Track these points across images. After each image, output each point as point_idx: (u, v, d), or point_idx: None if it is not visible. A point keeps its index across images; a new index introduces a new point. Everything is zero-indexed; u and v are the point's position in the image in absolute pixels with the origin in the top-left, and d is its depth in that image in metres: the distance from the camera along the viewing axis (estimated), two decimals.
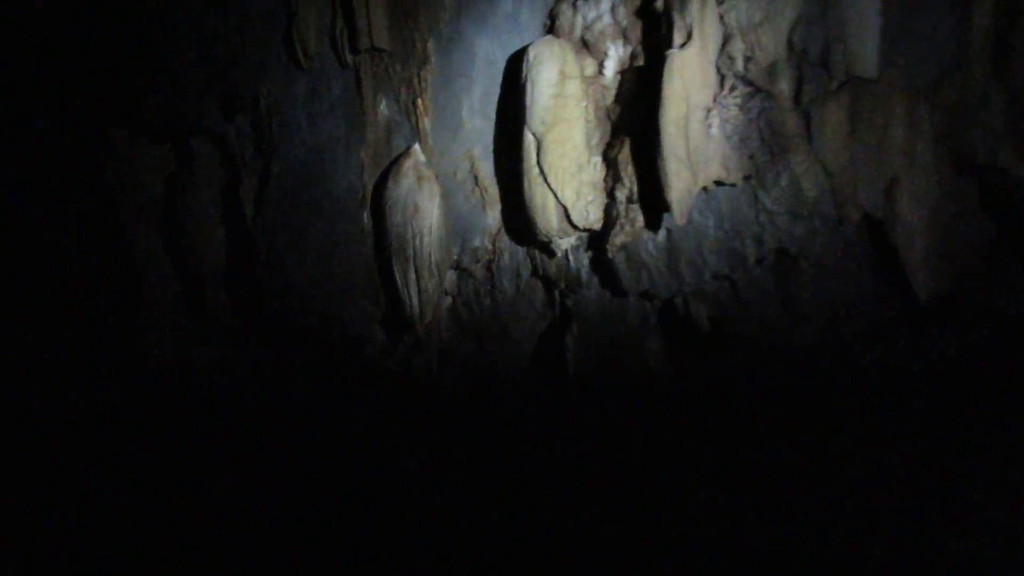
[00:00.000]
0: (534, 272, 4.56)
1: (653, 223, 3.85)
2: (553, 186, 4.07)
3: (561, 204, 4.08)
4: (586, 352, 4.30)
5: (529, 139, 4.16)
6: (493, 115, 4.72)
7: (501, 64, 4.67)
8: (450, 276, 4.93)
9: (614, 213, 4.01)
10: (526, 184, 4.18)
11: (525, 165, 4.18)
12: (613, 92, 4.20)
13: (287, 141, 5.97)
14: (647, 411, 4.04)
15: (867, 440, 3.44)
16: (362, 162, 5.28)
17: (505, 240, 4.63)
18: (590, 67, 4.27)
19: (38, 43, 7.69)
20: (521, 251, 4.59)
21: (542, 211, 4.15)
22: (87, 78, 7.88)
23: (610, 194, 4.02)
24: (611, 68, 4.22)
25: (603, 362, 4.24)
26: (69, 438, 7.18)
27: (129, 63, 7.41)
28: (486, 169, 4.74)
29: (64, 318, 8.16)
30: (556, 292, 4.49)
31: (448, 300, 4.98)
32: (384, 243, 4.95)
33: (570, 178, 4.07)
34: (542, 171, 4.09)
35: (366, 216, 5.24)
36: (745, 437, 3.74)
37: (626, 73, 4.13)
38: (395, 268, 4.89)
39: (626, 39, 4.18)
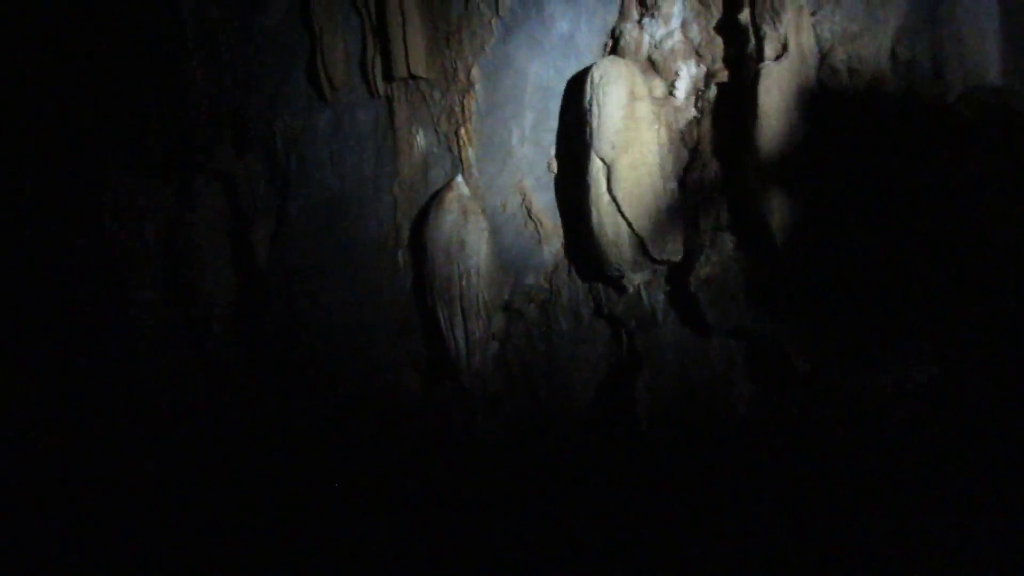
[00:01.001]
0: (597, 311, 4.15)
1: (747, 252, 3.43)
2: (627, 215, 3.68)
3: (636, 234, 3.69)
4: (660, 399, 3.86)
5: (597, 165, 3.78)
6: (546, 143, 4.36)
7: (555, 89, 4.33)
8: (497, 319, 4.46)
9: (698, 243, 3.59)
10: (594, 214, 3.79)
11: (593, 194, 3.80)
12: (687, 114, 3.82)
13: (307, 178, 5.55)
14: (735, 463, 3.58)
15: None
16: (395, 198, 4.87)
17: (563, 277, 4.22)
18: (659, 88, 3.94)
19: (32, 73, 7.22)
20: (582, 289, 4.18)
21: (614, 242, 3.75)
22: (84, 110, 7.42)
23: (692, 222, 3.61)
24: (683, 88, 3.89)
25: (681, 409, 3.80)
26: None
27: (130, 94, 6.98)
28: (540, 201, 4.35)
29: (52, 373, 7.54)
30: (624, 333, 4.04)
31: (495, 345, 4.50)
32: (426, 284, 4.52)
33: (646, 206, 3.69)
34: (614, 199, 3.69)
35: (400, 256, 4.80)
36: (855, 497, 3.28)
37: (702, 93, 3.76)
38: (439, 310, 4.46)
39: (699, 57, 3.84)
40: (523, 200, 4.41)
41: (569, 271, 4.22)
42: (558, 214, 4.32)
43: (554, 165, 4.33)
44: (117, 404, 7.32)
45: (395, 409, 5.26)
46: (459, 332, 4.46)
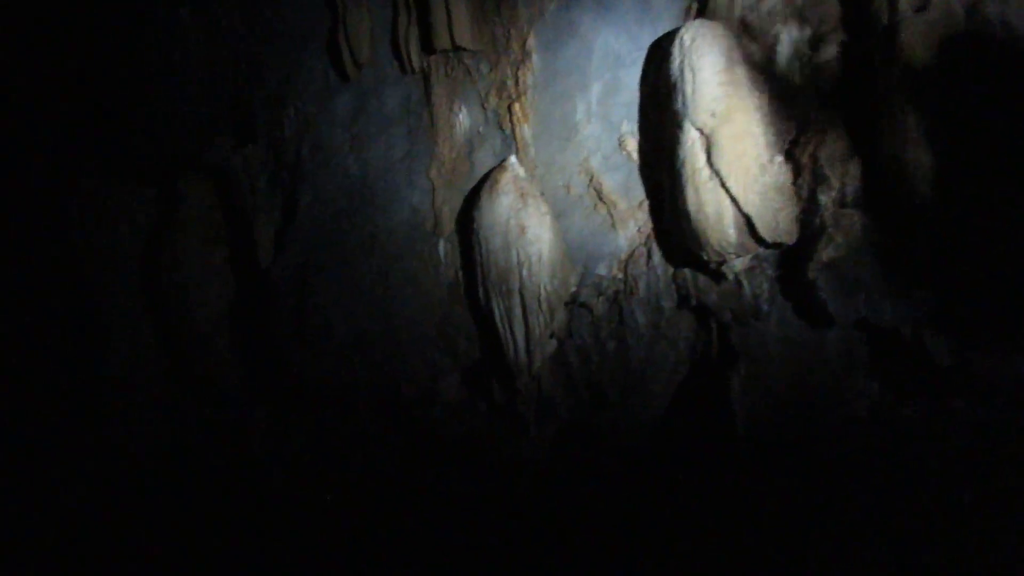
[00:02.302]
0: (682, 303, 3.65)
1: (879, 231, 2.98)
2: (733, 191, 3.21)
3: (743, 213, 3.20)
4: (761, 400, 3.38)
5: (692, 137, 3.32)
6: (616, 118, 3.90)
7: (628, 58, 3.90)
8: (559, 315, 3.94)
9: (817, 222, 3.13)
10: (690, 192, 3.31)
11: (688, 169, 3.34)
12: (792, 81, 3.37)
13: (322, 168, 5.00)
14: (854, 474, 3.10)
15: None
16: (432, 183, 4.34)
17: (641, 265, 3.72)
18: (756, 53, 3.46)
19: None
20: (663, 278, 3.70)
21: (716, 223, 3.28)
22: (52, 106, 6.68)
23: (810, 198, 3.16)
24: (785, 53, 3.45)
25: (787, 412, 3.32)
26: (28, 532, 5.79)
27: (105, 83, 6.31)
28: (612, 181, 3.88)
29: (20, 392, 6.73)
30: (714, 326, 3.55)
31: (552, 344, 3.98)
32: (478, 275, 3.98)
33: (753, 181, 3.22)
34: (716, 173, 3.21)
35: (442, 246, 4.25)
36: (1008, 510, 2.82)
37: (809, 58, 3.32)
38: (494, 304, 3.92)
39: (802, 20, 3.39)
40: (590, 181, 3.93)
41: (648, 258, 3.73)
42: (632, 195, 3.79)
43: (627, 142, 3.83)
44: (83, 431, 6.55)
45: (430, 422, 4.67)
46: (518, 329, 3.94)
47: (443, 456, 4.89)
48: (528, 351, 3.95)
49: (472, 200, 4.16)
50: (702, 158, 3.35)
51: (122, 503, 6.20)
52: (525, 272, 3.90)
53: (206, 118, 5.98)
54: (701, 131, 3.35)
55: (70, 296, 6.86)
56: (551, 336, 4.04)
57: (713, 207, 3.33)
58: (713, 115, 3.32)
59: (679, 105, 3.43)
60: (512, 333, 3.95)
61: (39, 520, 5.98)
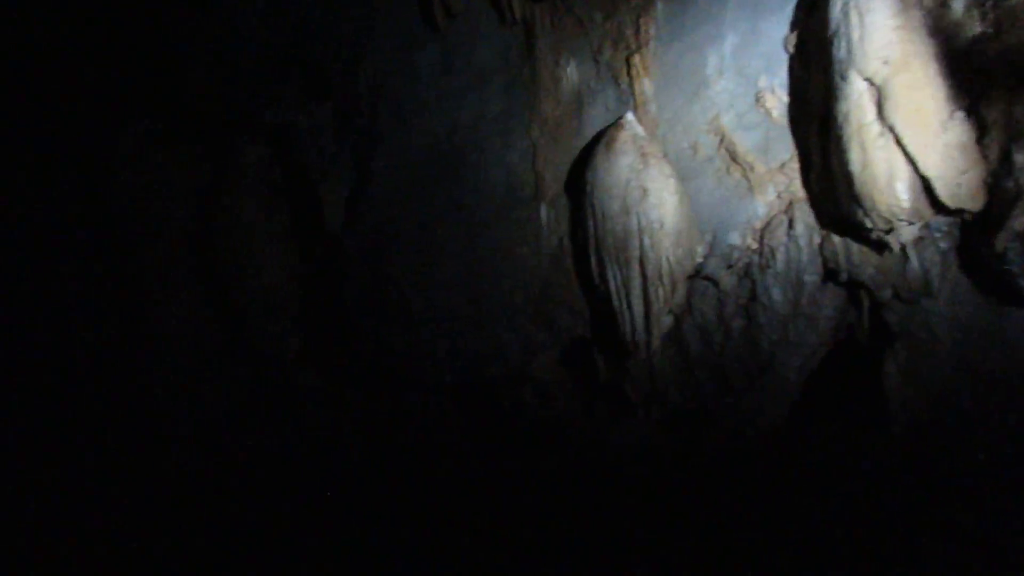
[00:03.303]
0: (828, 277, 3.22)
1: None
2: (910, 149, 2.79)
3: (920, 175, 2.78)
4: (923, 391, 2.96)
5: (859, 88, 2.92)
6: (752, 71, 3.47)
7: (769, 4, 3.43)
8: (679, 288, 3.53)
9: (1010, 186, 2.71)
10: (854, 150, 2.91)
11: (852, 124, 2.94)
12: (970, 29, 2.93)
13: (401, 127, 4.61)
14: None
15: None
16: (533, 143, 3.93)
17: (781, 234, 3.30)
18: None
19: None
20: (806, 250, 3.26)
21: (886, 186, 2.87)
22: (98, 59, 6.26)
23: (1003, 159, 2.73)
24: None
25: (955, 402, 2.88)
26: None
27: (150, 37, 5.89)
28: (748, 141, 3.47)
29: (62, 362, 6.37)
30: (866, 304, 3.13)
31: (668, 321, 3.57)
32: (591, 242, 3.57)
33: (934, 138, 2.80)
34: (891, 129, 2.79)
35: (544, 211, 3.84)
36: None
37: (993, 3, 2.88)
38: (609, 274, 3.51)
39: None
40: (721, 141, 3.52)
41: (790, 227, 3.31)
42: (772, 157, 3.37)
43: (766, 98, 3.41)
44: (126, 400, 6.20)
45: (517, 404, 4.28)
46: (636, 302, 3.54)
47: (527, 441, 4.50)
48: (647, 327, 3.54)
49: (584, 161, 3.76)
50: (871, 112, 2.94)
51: (170, 477, 5.84)
52: (646, 240, 3.51)
53: (269, 73, 5.58)
54: (870, 81, 2.94)
55: (113, 261, 6.47)
56: (668, 312, 3.61)
57: (883, 167, 2.92)
58: (886, 63, 2.91)
59: (841, 53, 3.01)
60: (629, 306, 3.57)
61: (86, 492, 5.64)
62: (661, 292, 3.54)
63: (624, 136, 3.63)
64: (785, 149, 3.39)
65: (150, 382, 6.44)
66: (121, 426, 6.13)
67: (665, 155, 3.62)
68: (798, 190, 3.34)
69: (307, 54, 5.35)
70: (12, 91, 5.95)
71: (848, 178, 3.02)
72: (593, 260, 3.64)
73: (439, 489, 4.90)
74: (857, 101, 3.00)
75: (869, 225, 3.04)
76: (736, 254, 3.49)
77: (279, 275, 5.98)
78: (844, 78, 3.03)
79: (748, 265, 3.48)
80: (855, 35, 3.02)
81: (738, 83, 3.55)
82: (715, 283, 3.55)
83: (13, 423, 5.78)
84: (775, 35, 3.45)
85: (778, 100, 3.45)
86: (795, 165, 3.37)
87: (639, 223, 3.52)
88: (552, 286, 3.99)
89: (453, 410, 4.67)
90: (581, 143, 3.95)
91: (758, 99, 3.49)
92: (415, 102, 4.73)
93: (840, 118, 3.04)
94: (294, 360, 5.76)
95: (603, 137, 3.71)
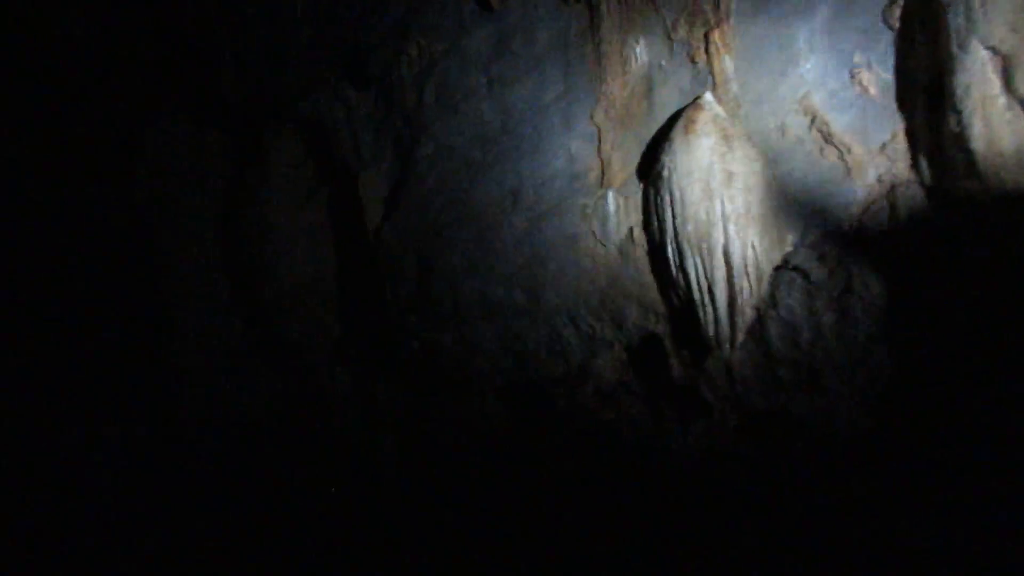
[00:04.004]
0: None
1: None
2: None
3: None
4: None
5: (981, 57, 2.67)
6: (847, 47, 3.20)
7: None
8: (764, 279, 3.25)
9: None
10: (977, 125, 2.66)
11: (975, 97, 2.74)
12: None
13: (449, 114, 4.36)
14: None
15: None
16: (598, 127, 3.66)
17: (882, 220, 2.99)
18: None
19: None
20: None
21: (1017, 164, 2.57)
22: (127, 47, 6.00)
23: None
24: None
25: None
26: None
27: (181, 22, 5.64)
28: (842, 121, 3.20)
29: (83, 358, 6.11)
30: None
31: (749, 315, 3.29)
32: (668, 230, 3.29)
33: None
34: (1021, 103, 2.51)
35: (611, 199, 3.58)
36: None
37: None
38: (690, 265, 3.22)
39: None
40: (812, 121, 3.25)
41: (892, 212, 3.02)
42: (871, 137, 3.10)
43: (862, 75, 3.14)
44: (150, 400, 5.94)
45: (575, 405, 3.99)
46: (719, 294, 3.26)
47: (582, 447, 4.21)
48: (731, 321, 3.25)
49: (659, 144, 3.50)
50: (996, 84, 2.65)
51: (194, 476, 5.58)
52: (732, 228, 3.24)
53: (306, 61, 5.31)
54: (994, 50, 2.66)
55: (138, 257, 6.21)
56: (752, 306, 3.33)
57: (1010, 143, 2.62)
58: (1014, 30, 2.63)
59: (959, 20, 2.76)
60: (712, 299, 3.29)
61: (109, 489, 5.38)
62: (746, 283, 3.25)
63: (704, 117, 3.37)
64: (885, 129, 3.13)
65: (174, 383, 6.18)
66: (143, 428, 5.86)
67: (749, 137, 3.33)
68: (902, 172, 3.06)
69: (346, 39, 5.09)
70: (37, 83, 5.69)
71: (969, 156, 2.74)
72: (671, 249, 3.37)
73: (483, 499, 4.62)
74: (980, 72, 2.74)
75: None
76: (829, 243, 3.20)
77: (310, 272, 5.72)
78: (963, 48, 2.77)
79: (841, 256, 3.18)
80: (975, 1, 2.74)
81: (830, 59, 3.31)
82: (804, 274, 3.27)
83: (34, 422, 5.52)
84: (872, 6, 3.17)
85: (876, 76, 3.19)
86: (897, 146, 3.09)
87: (723, 209, 3.25)
88: (620, 278, 3.72)
89: (501, 412, 4.37)
90: (652, 127, 3.69)
91: (853, 75, 3.23)
92: (465, 88, 4.48)
93: (959, 92, 2.78)
94: (326, 361, 5.47)
95: (680, 119, 3.45)
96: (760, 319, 3.46)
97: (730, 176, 3.27)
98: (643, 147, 3.69)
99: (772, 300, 3.42)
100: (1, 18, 5.37)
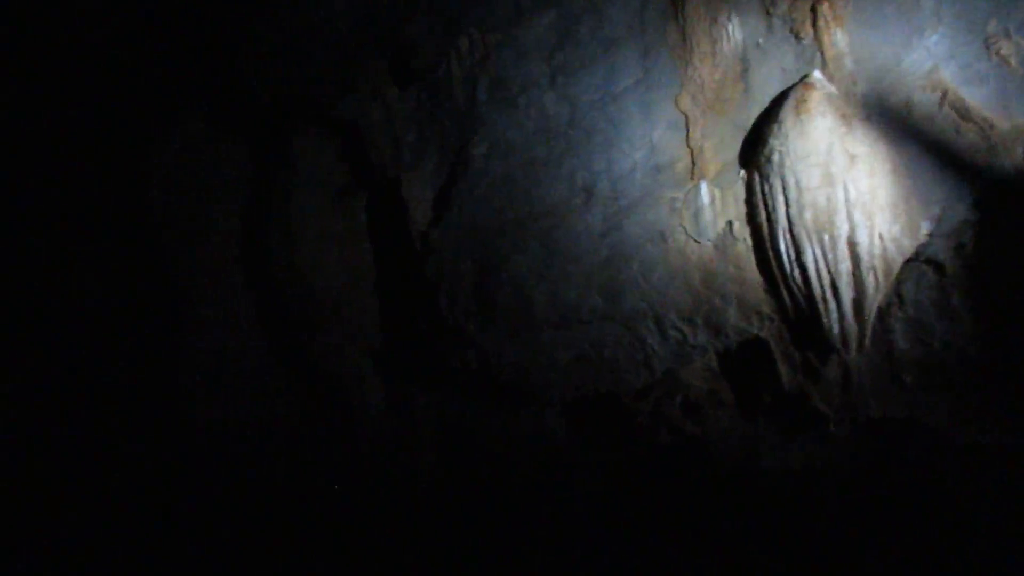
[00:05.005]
0: None
1: None
2: None
3: None
4: None
5: None
6: (979, 16, 2.91)
7: None
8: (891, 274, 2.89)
9: None
10: None
11: None
12: None
13: (507, 109, 4.03)
14: None
15: None
16: (685, 115, 3.30)
17: None
18: None
19: None
20: None
21: None
22: (147, 43, 5.65)
23: None
24: None
25: None
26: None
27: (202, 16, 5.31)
28: (978, 95, 2.90)
29: (100, 370, 5.73)
30: None
31: (876, 313, 2.93)
32: (781, 220, 2.93)
33: None
34: None
35: (705, 191, 3.25)
36: None
37: None
38: (808, 258, 2.86)
39: None
40: (943, 97, 2.92)
41: None
42: (1016, 112, 2.77)
43: (1000, 44, 2.81)
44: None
45: (656, 419, 3.60)
46: (844, 289, 2.92)
47: (664, 465, 3.81)
48: (858, 319, 2.88)
49: (764, 128, 3.17)
50: None
51: (211, 495, 5.17)
52: (858, 214, 2.89)
53: (343, 57, 4.96)
54: None
55: (151, 263, 5.82)
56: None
57: None
58: None
59: None
60: (836, 295, 2.94)
61: (120, 505, 5.00)
62: (873, 279, 2.88)
63: (817, 96, 3.04)
64: None
65: (189, 399, 5.79)
66: (158, 441, 5.46)
67: (869, 116, 2.98)
68: None
69: (389, 35, 4.75)
70: (51, 80, 5.31)
71: None
72: (784, 241, 3.01)
73: (546, 526, 4.22)
74: None
75: None
76: (965, 231, 2.84)
77: (343, 280, 5.35)
78: None
79: (983, 244, 2.82)
80: None
81: (959, 30, 2.99)
82: (938, 266, 2.91)
83: (45, 429, 5.14)
84: None
85: (1016, 46, 2.84)
86: None
87: (847, 195, 2.88)
88: (717, 277, 3.36)
89: (570, 429, 3.98)
90: (750, 111, 3.35)
91: (989, 46, 2.88)
92: (524, 80, 4.14)
93: None
94: (360, 372, 5.08)
95: (787, 99, 3.12)
96: (882, 317, 3.08)
97: (853, 158, 2.93)
98: (740, 134, 3.35)
99: (899, 296, 3.05)
100: (15, 17, 4.99)
